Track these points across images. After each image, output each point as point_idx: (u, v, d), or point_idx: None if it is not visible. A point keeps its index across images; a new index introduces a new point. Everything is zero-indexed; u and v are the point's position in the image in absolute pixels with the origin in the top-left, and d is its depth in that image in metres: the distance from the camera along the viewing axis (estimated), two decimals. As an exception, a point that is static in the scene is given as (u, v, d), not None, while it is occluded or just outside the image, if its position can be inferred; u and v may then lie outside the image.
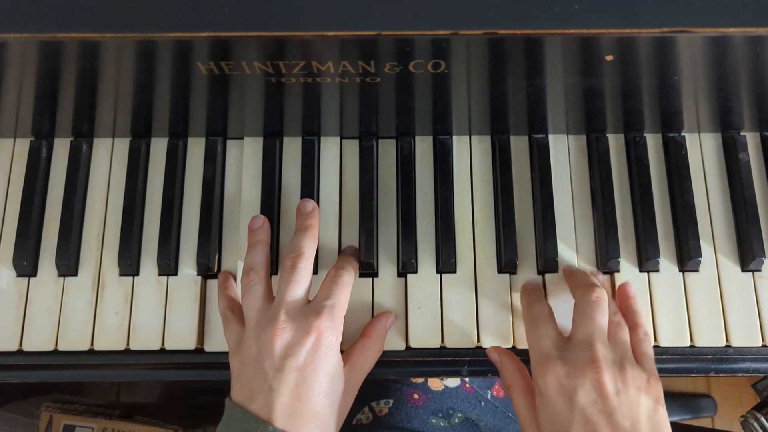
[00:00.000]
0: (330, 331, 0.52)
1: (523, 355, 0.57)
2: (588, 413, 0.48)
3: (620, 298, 0.59)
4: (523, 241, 0.62)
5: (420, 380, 0.73)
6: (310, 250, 0.56)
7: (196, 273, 0.61)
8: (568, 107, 0.59)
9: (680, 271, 0.61)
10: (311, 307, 0.54)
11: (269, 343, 0.51)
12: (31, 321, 0.60)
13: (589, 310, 0.53)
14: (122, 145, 0.64)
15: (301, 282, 0.54)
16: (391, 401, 0.71)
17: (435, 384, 0.72)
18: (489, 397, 0.73)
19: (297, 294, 0.54)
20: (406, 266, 0.60)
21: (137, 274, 0.61)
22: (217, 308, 0.60)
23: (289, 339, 0.51)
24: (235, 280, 0.61)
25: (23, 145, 0.64)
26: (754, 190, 0.62)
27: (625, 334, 0.54)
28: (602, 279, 0.61)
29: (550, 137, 0.64)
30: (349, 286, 0.56)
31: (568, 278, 0.59)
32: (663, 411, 0.50)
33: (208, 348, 0.60)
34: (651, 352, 0.54)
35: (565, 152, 0.64)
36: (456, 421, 0.71)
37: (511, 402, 0.76)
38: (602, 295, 0.54)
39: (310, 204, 0.59)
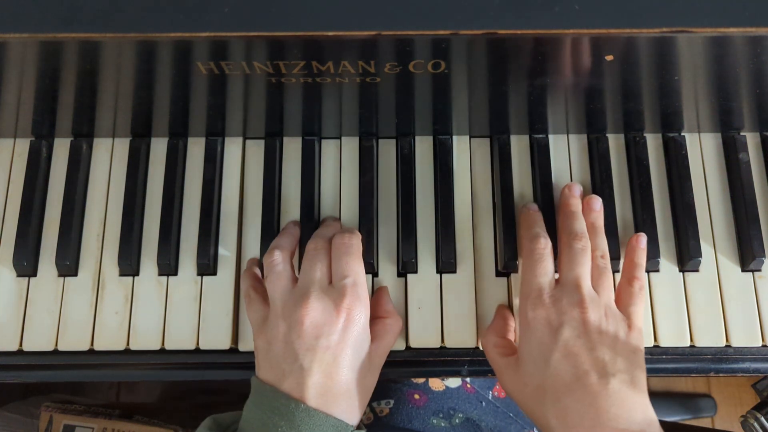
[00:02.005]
0: (358, 308, 0.53)
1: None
2: (570, 344, 0.51)
3: (629, 248, 0.59)
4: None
5: (421, 380, 0.73)
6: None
7: (196, 273, 0.61)
8: (568, 107, 0.59)
9: (680, 271, 0.61)
10: (335, 288, 0.54)
11: (298, 323, 0.52)
12: (31, 321, 0.60)
13: (575, 256, 0.56)
14: (122, 145, 0.64)
15: (324, 262, 0.55)
16: (391, 401, 0.71)
17: (436, 384, 0.72)
18: (490, 398, 0.73)
19: (322, 274, 0.55)
20: (406, 266, 0.60)
21: (137, 274, 0.61)
22: (214, 307, 0.60)
23: (318, 318, 0.52)
24: (260, 268, 0.61)
25: (23, 145, 0.64)
26: (754, 190, 0.62)
27: (607, 281, 0.56)
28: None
29: (551, 137, 0.64)
30: (359, 252, 0.56)
31: (559, 217, 0.60)
32: (641, 358, 0.52)
33: (203, 345, 0.59)
34: (640, 306, 0.56)
35: (565, 152, 0.64)
36: (457, 421, 0.71)
37: (511, 398, 0.76)
38: (587, 245, 0.56)
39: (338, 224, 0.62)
